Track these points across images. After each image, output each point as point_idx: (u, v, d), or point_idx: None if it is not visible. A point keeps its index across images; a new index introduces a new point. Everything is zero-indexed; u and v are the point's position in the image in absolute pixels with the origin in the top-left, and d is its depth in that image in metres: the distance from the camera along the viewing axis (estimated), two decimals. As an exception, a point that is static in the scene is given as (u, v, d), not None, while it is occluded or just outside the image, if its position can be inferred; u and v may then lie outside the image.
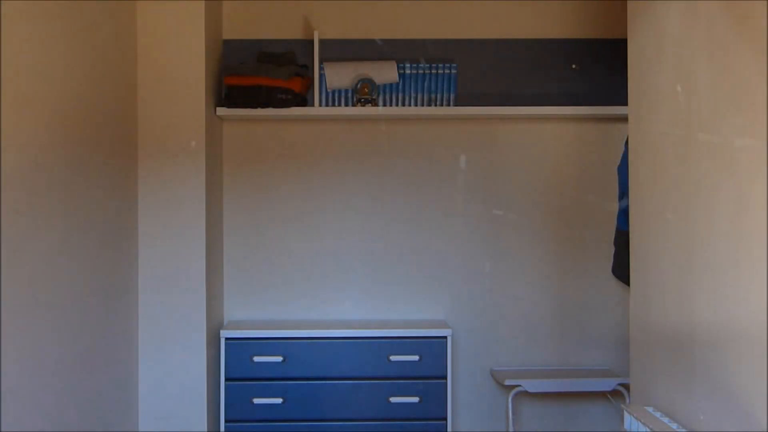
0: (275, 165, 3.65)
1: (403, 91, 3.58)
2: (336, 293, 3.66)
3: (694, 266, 2.12)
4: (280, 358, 3.28)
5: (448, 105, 3.57)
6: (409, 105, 3.57)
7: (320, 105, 3.52)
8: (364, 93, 3.52)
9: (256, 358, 3.29)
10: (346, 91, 3.57)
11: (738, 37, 1.90)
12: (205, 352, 3.23)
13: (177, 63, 3.20)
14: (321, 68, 3.52)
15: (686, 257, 2.17)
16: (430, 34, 3.66)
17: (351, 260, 3.66)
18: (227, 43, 3.63)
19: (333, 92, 3.57)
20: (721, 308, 1.99)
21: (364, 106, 3.51)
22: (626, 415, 2.37)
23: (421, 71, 3.57)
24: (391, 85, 3.57)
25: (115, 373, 2.97)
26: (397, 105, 3.57)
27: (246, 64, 3.45)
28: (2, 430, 2.04)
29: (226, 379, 3.29)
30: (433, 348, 3.35)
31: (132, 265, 3.14)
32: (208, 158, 3.27)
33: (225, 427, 3.29)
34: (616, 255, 3.36)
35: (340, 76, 3.55)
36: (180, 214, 3.22)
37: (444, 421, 3.33)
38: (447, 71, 3.57)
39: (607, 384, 3.41)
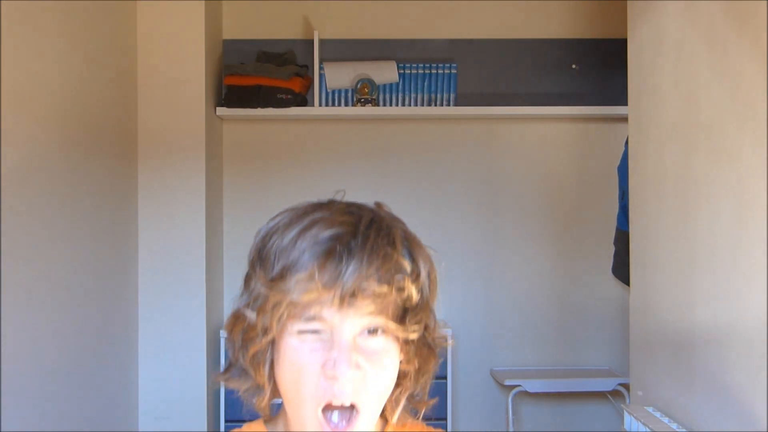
0: (275, 165, 3.64)
1: (403, 91, 3.58)
2: (336, 293, 3.65)
3: (694, 266, 2.12)
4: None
5: (448, 105, 3.56)
6: (409, 105, 3.57)
7: (320, 105, 3.52)
8: (364, 93, 3.52)
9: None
10: (346, 91, 3.57)
11: (738, 37, 1.90)
12: (205, 352, 3.23)
13: (177, 63, 3.20)
14: (321, 68, 3.52)
15: (686, 257, 2.17)
16: (430, 34, 3.66)
17: (351, 260, 3.65)
18: (227, 43, 3.62)
19: (333, 92, 3.57)
20: (721, 308, 1.99)
21: (364, 106, 3.51)
22: (626, 415, 2.38)
23: (421, 71, 3.57)
24: (391, 85, 3.57)
25: (115, 373, 2.97)
26: (397, 105, 3.57)
27: (246, 64, 3.45)
28: (2, 430, 2.04)
29: (226, 379, 3.29)
30: (433, 348, 3.35)
31: (132, 265, 3.14)
32: (208, 158, 3.27)
33: (225, 427, 3.29)
34: (616, 255, 3.35)
35: (340, 76, 3.55)
36: (180, 215, 3.22)
37: (444, 421, 3.33)
38: (447, 71, 3.57)
39: (607, 384, 3.41)
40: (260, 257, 0.90)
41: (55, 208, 2.40)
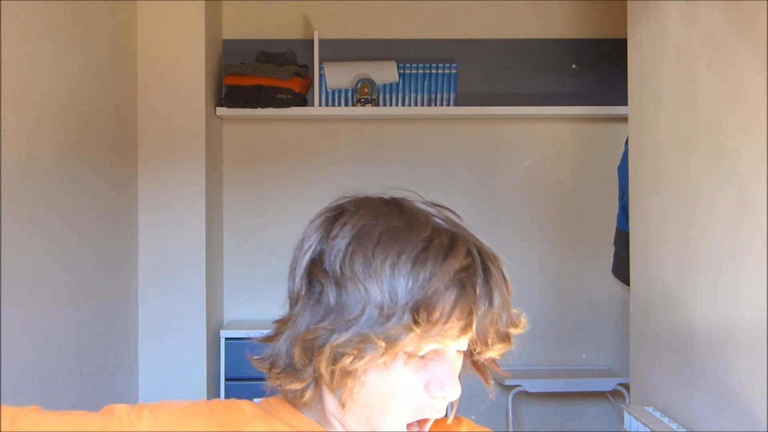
0: (275, 165, 3.64)
1: (403, 91, 3.58)
2: (336, 293, 3.65)
3: (694, 266, 2.12)
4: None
5: (448, 105, 3.56)
6: (409, 105, 3.57)
7: (320, 105, 3.52)
8: (364, 93, 3.52)
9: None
10: (346, 91, 3.57)
11: (738, 37, 1.90)
12: (205, 352, 3.23)
13: (177, 63, 3.20)
14: (321, 68, 3.52)
15: (686, 257, 2.17)
16: (430, 34, 3.66)
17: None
18: (227, 43, 3.63)
19: (333, 92, 3.57)
20: (721, 308, 1.99)
21: (364, 106, 3.51)
22: (626, 415, 2.38)
23: (421, 71, 3.57)
24: (391, 85, 3.57)
25: (115, 373, 2.97)
26: (397, 105, 3.57)
27: (246, 64, 3.45)
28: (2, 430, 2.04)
29: (226, 379, 3.29)
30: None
31: (132, 265, 3.14)
32: (208, 158, 3.27)
33: (225, 427, 3.29)
34: (616, 255, 3.35)
35: (340, 76, 3.55)
36: (180, 214, 3.22)
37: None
38: (447, 71, 3.57)
39: (607, 384, 3.41)
40: (368, 274, 0.85)
41: (54, 208, 2.39)
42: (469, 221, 0.96)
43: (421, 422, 0.90)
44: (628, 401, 2.94)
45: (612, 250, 3.41)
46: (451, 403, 0.98)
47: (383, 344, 0.83)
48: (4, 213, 2.04)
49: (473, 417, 1.10)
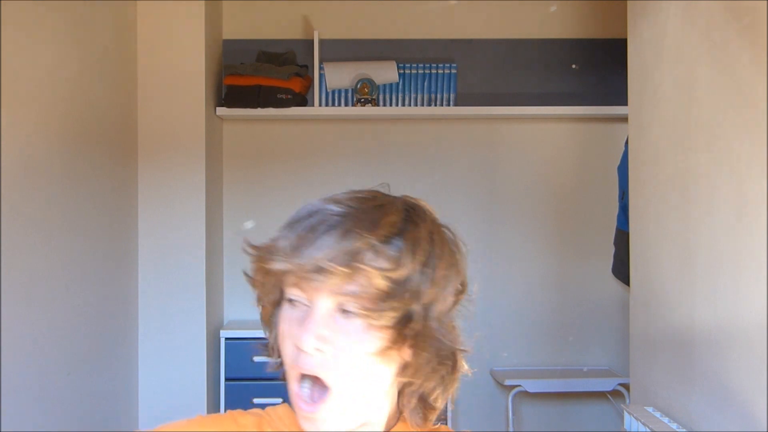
0: (275, 165, 3.64)
1: (403, 91, 3.57)
2: (336, 293, 3.65)
3: (694, 266, 2.12)
4: (280, 359, 3.27)
5: (448, 105, 3.56)
6: (409, 105, 3.57)
7: (320, 105, 3.52)
8: (364, 93, 3.52)
9: (256, 358, 3.29)
10: (346, 91, 3.57)
11: (738, 37, 1.90)
12: (205, 352, 3.23)
13: (177, 63, 3.20)
14: (321, 68, 3.52)
15: (686, 257, 2.17)
16: (430, 34, 3.66)
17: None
18: (227, 43, 3.62)
19: (333, 92, 3.57)
20: (721, 308, 1.99)
21: (364, 106, 3.51)
22: (626, 415, 2.38)
23: (421, 71, 3.57)
24: (391, 85, 3.56)
25: (115, 373, 2.97)
26: (397, 105, 3.57)
27: (246, 64, 3.45)
28: (2, 430, 2.04)
29: (226, 379, 3.29)
30: (433, 348, 3.34)
31: (132, 265, 3.14)
32: (208, 158, 3.27)
33: (225, 427, 3.29)
34: (616, 255, 3.35)
35: (340, 76, 3.55)
36: (180, 214, 3.22)
37: (444, 421, 3.32)
38: (447, 71, 3.57)
39: (607, 384, 3.41)
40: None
41: (55, 208, 2.40)
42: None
43: (315, 387, 0.89)
44: (628, 401, 2.94)
45: (612, 250, 3.41)
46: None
47: (251, 282, 0.94)
48: (4, 213, 2.04)
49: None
